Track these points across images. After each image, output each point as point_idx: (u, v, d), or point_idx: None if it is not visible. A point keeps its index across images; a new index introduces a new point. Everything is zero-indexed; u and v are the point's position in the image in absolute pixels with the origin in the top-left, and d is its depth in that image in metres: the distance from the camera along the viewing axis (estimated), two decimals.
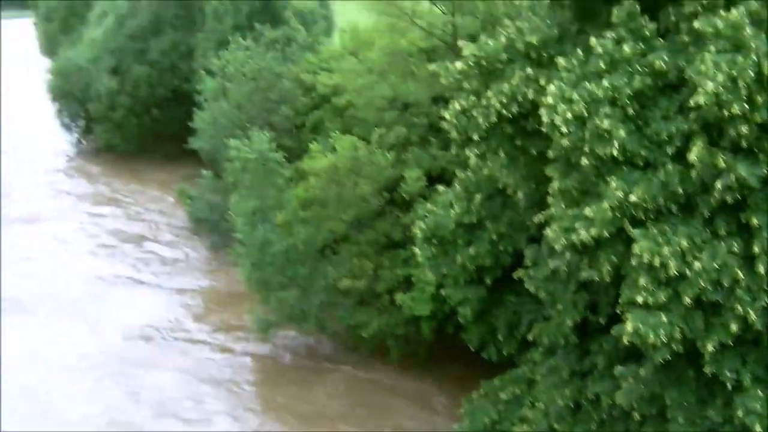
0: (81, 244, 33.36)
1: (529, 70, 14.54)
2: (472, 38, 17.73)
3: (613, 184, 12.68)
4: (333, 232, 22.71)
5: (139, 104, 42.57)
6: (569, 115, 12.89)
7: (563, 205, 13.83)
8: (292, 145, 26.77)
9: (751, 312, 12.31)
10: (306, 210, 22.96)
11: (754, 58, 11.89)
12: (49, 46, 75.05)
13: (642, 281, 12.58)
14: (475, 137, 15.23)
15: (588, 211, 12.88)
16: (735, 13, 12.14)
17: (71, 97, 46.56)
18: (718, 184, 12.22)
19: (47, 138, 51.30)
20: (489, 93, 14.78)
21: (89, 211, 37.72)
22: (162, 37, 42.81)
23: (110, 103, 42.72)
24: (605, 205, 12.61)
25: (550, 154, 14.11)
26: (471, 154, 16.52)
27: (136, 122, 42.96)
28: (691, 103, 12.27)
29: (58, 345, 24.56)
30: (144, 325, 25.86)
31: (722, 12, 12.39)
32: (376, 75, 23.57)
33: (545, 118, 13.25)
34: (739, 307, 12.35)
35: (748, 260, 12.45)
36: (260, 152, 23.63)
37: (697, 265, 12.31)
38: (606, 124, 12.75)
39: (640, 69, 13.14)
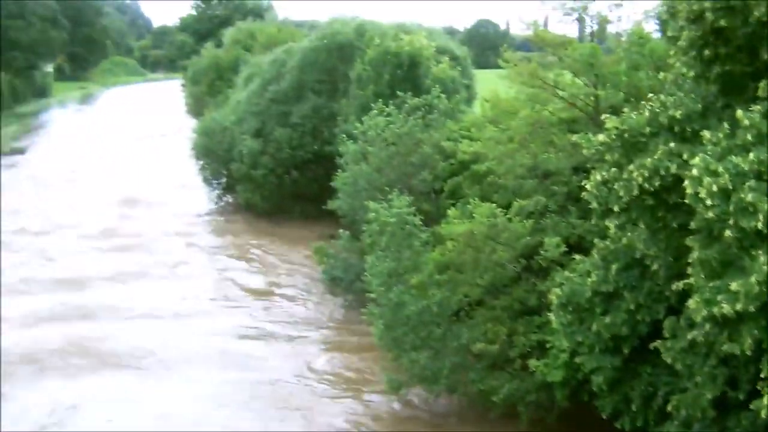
0: (214, 296, 34.45)
1: (673, 144, 14.70)
2: (614, 110, 18.00)
3: (761, 258, 12.68)
4: (468, 296, 22.89)
5: (279, 165, 43.84)
6: (714, 188, 12.99)
7: (703, 276, 13.85)
8: (430, 210, 27.28)
9: None
10: (442, 273, 23.20)
11: None
12: (196, 107, 78.28)
13: None
14: (616, 209, 15.46)
15: (734, 285, 12.87)
16: None
17: (214, 155, 48.44)
18: None
19: (190, 194, 53.40)
20: (631, 166, 14.97)
21: (225, 265, 38.94)
22: (304, 102, 44.07)
23: (252, 163, 44.14)
24: (752, 279, 12.61)
25: (692, 225, 14.21)
26: (611, 225, 16.68)
27: (277, 182, 44.20)
28: None
29: (186, 390, 25.30)
30: (271, 372, 26.56)
31: None
32: (517, 144, 23.90)
33: (689, 190, 13.38)
34: None
35: None
36: (399, 215, 24.14)
37: None
38: (751, 197, 12.82)
39: None
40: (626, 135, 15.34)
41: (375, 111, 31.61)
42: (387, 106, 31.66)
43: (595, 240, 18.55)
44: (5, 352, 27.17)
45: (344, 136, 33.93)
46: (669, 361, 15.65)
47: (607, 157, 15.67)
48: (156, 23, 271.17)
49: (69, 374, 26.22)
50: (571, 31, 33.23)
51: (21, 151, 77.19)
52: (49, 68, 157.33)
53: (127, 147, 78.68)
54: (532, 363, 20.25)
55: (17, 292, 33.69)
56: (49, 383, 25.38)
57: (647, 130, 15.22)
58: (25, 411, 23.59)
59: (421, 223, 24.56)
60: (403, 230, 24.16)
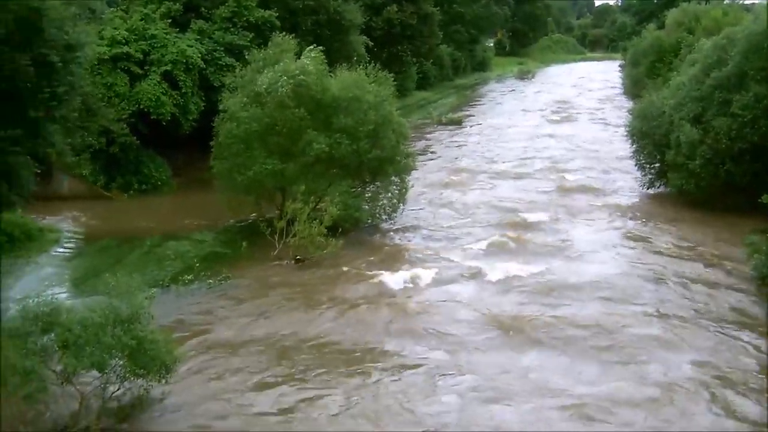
0: (630, 279, 34.10)
1: None
2: None
3: None
4: None
5: (716, 155, 42.46)
6: None
7: None
8: None
9: None
10: None
11: None
12: (633, 89, 78.03)
13: None
14: None
15: None
16: None
17: (649, 139, 47.93)
18: None
19: (620, 176, 53.66)
20: None
21: (647, 248, 38.61)
22: (746, 91, 42.24)
23: (689, 151, 43.12)
24: None
25: None
26: None
27: (712, 172, 42.85)
28: None
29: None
30: (695, 367, 25.86)
31: None
32: None
33: None
34: None
35: None
36: None
37: None
38: None
39: None
40: None
41: None
42: None
43: None
44: None
45: None
46: None
47: None
48: (598, 2, 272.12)
49: None
50: None
51: (458, 122, 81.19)
52: (490, 43, 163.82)
53: (559, 123, 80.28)
54: None
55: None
56: None
57: None
58: None
59: None
60: None
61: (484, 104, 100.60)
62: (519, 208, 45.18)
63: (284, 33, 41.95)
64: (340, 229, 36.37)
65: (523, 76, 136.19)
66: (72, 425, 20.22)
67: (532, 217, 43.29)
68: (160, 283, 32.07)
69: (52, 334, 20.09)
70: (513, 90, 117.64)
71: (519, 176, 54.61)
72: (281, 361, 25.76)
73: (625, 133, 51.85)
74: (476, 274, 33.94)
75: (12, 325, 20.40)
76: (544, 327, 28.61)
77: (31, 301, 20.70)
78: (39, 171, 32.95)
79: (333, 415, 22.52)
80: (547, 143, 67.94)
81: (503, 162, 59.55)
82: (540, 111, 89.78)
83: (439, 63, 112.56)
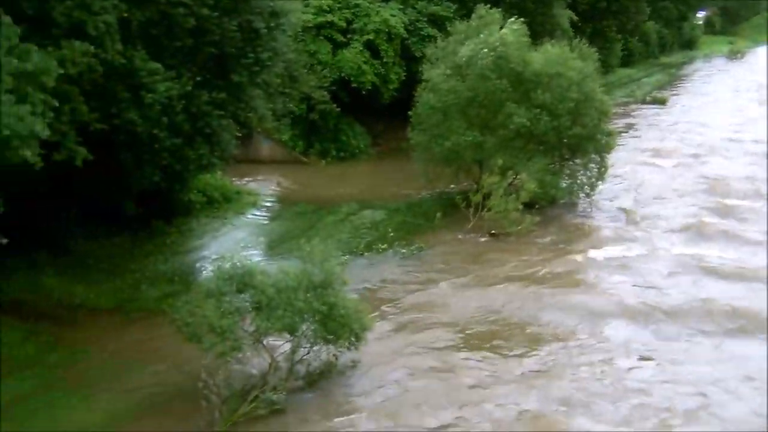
0: None
1: None
2: None
3: None
4: None
5: None
6: None
7: None
8: None
9: None
10: None
11: None
12: None
13: None
14: None
15: None
16: None
17: None
18: None
19: None
20: None
21: None
22: None
23: None
24: None
25: None
26: None
27: None
28: None
29: None
30: None
31: None
32: None
33: None
34: None
35: None
36: None
37: None
38: None
39: None
40: None
41: None
42: None
43: None
44: None
45: None
46: None
47: None
48: None
49: None
50: None
51: (663, 102, 78.33)
52: (700, 21, 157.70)
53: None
54: None
55: None
56: None
57: None
58: None
59: None
60: None
61: (690, 84, 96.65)
62: (722, 192, 42.75)
63: (488, 5, 41.11)
64: (536, 206, 35.68)
65: (733, 56, 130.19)
66: (261, 384, 20.42)
67: (735, 202, 40.78)
68: (355, 250, 32.31)
69: (246, 295, 20.26)
70: (721, 70, 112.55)
71: (725, 159, 51.82)
72: (473, 331, 25.22)
73: None
74: (672, 256, 32.23)
75: (208, 285, 20.76)
76: (742, 315, 26.73)
77: (226, 262, 20.92)
78: (240, 134, 33.52)
79: (524, 378, 22.14)
80: (755, 127, 64.35)
81: (708, 144, 56.64)
82: (749, 93, 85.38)
83: (645, 40, 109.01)
